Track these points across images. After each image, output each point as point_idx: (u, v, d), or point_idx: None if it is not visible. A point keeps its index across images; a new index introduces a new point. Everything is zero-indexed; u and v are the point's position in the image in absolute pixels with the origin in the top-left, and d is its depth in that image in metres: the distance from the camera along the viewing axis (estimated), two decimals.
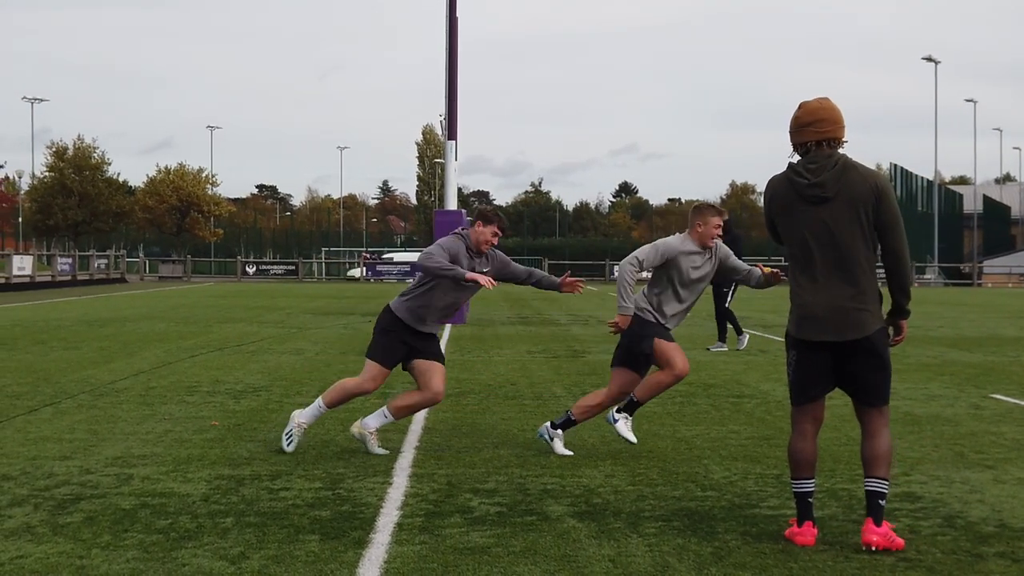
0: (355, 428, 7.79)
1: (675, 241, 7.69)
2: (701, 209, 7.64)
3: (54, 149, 72.11)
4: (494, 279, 7.67)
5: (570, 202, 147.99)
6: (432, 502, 6.28)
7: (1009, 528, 5.82)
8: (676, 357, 7.61)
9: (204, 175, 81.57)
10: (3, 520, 5.77)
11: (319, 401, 7.85)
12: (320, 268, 73.21)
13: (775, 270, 7.43)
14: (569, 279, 7.97)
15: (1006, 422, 9.54)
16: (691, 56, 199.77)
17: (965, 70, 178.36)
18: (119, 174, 76.67)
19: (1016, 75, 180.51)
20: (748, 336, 17.18)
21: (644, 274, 7.84)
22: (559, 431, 7.83)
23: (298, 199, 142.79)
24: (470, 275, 7.39)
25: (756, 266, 7.65)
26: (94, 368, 13.14)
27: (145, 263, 71.69)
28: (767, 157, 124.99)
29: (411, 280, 8.12)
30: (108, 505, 6.11)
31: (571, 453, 7.77)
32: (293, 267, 68.11)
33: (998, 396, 11.33)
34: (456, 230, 7.79)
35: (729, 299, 17.04)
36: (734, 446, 8.21)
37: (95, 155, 72.54)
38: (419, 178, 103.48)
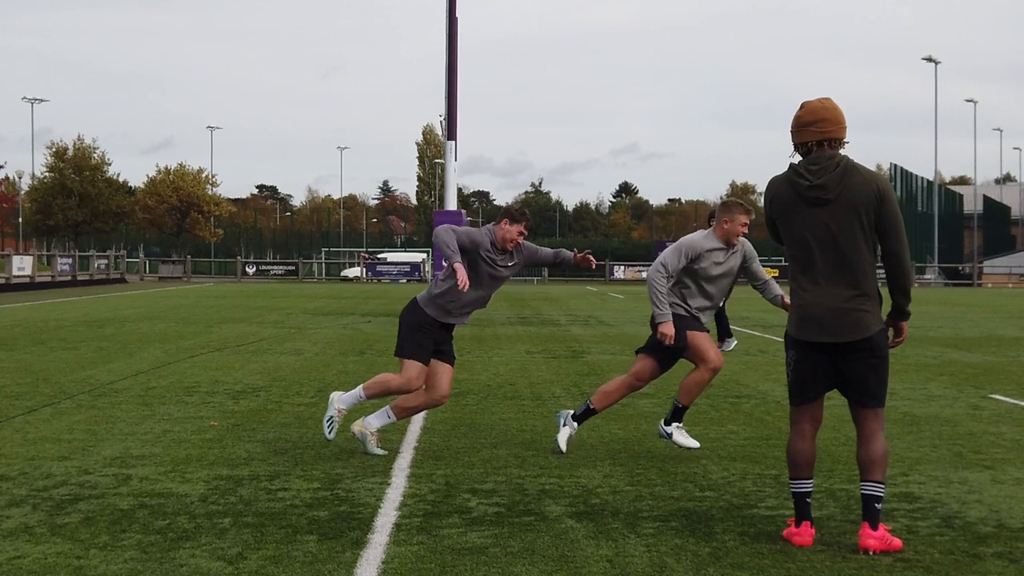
0: (356, 427, 7.79)
1: (697, 238, 7.63)
2: (729, 206, 7.58)
3: (54, 149, 72.14)
4: (522, 266, 7.83)
5: (570, 202, 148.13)
6: (430, 502, 6.28)
7: (1007, 528, 5.82)
8: (709, 351, 7.60)
9: (204, 175, 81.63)
10: (1, 520, 5.77)
11: (360, 389, 7.81)
12: (320, 268, 73.21)
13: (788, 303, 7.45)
14: (580, 254, 7.94)
15: (1005, 422, 9.54)
16: (691, 56, 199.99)
17: (965, 70, 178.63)
18: (119, 174, 76.71)
19: (1016, 75, 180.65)
20: (735, 342, 16.83)
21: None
22: (574, 424, 7.84)
23: (298, 199, 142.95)
24: (457, 264, 7.34)
25: (780, 297, 7.65)
26: (93, 368, 13.14)
27: (145, 263, 71.67)
28: (767, 157, 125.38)
29: (438, 273, 8.12)
30: (106, 505, 6.12)
31: (564, 451, 7.77)
32: (293, 267, 68.11)
33: (997, 396, 11.33)
34: (487, 226, 7.84)
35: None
36: (733, 446, 8.21)
37: (95, 155, 72.57)
38: (419, 178, 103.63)
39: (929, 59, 71.80)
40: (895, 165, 78.88)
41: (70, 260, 51.97)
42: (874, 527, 5.30)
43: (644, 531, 5.68)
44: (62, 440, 8.17)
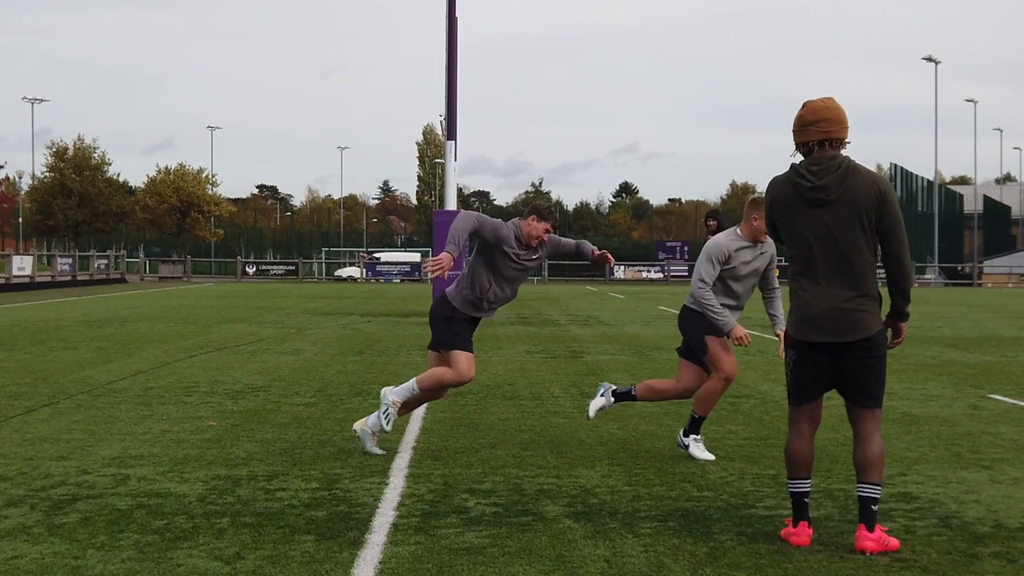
0: (358, 425, 7.82)
1: (722, 240, 7.53)
2: (758, 202, 7.42)
3: (54, 149, 72.18)
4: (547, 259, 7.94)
5: (570, 202, 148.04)
6: (428, 502, 6.28)
7: (1005, 528, 5.82)
8: (723, 359, 7.54)
9: (204, 175, 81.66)
10: None
11: (413, 382, 7.81)
12: (320, 268, 73.21)
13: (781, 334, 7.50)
14: (599, 252, 7.94)
15: (1004, 422, 9.54)
16: (691, 56, 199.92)
17: (965, 70, 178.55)
18: (119, 174, 76.76)
19: (1016, 75, 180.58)
20: None
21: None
22: (612, 399, 7.91)
23: (298, 199, 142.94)
24: (444, 254, 7.22)
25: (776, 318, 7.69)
26: (92, 368, 13.14)
27: (145, 263, 71.67)
28: (767, 157, 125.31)
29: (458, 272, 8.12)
30: (104, 505, 6.12)
31: (591, 417, 8.00)
32: (293, 267, 68.12)
33: (996, 396, 11.33)
34: (513, 219, 7.88)
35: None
36: (731, 446, 8.21)
37: (95, 155, 72.63)
38: (419, 178, 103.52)
39: (929, 59, 71.80)
40: (895, 165, 78.89)
41: (70, 260, 51.98)
42: (870, 529, 5.30)
43: (642, 531, 5.68)
44: (61, 440, 8.18)
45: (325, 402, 10.42)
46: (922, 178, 79.38)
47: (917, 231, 70.37)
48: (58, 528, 5.63)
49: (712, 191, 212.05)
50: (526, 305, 31.23)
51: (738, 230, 7.56)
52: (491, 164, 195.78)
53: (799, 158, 5.46)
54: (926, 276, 68.36)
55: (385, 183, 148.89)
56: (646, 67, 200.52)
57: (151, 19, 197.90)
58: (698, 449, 7.70)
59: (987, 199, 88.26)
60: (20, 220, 79.13)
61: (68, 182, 70.78)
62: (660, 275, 65.69)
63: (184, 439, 8.28)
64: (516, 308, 29.27)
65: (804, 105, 5.45)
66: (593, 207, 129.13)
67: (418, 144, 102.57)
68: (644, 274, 66.25)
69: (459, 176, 38.35)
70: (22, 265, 44.54)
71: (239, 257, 71.53)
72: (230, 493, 6.45)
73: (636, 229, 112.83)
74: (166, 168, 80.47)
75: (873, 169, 5.60)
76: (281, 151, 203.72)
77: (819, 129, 5.35)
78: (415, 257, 68.58)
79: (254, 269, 67.66)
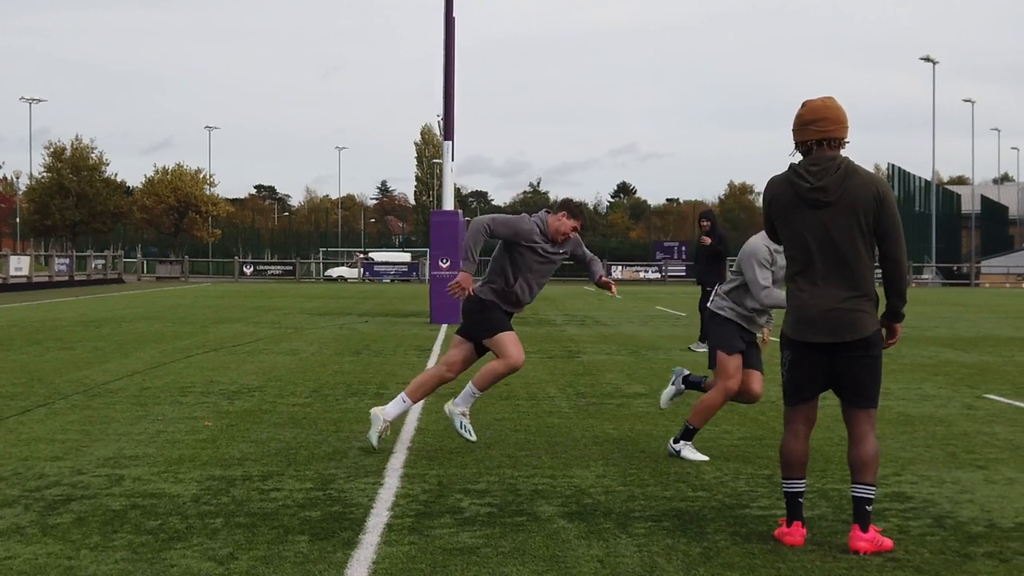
0: (376, 409, 7.89)
1: (758, 242, 7.26)
2: None
3: (52, 149, 72.13)
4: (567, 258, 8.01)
5: None
6: (422, 503, 6.28)
7: (998, 528, 5.83)
8: (727, 370, 7.46)
9: (202, 175, 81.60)
10: None
11: (470, 386, 7.87)
12: (318, 268, 73.19)
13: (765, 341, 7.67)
14: (606, 279, 8.02)
15: (999, 422, 9.55)
16: (691, 56, 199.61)
17: (963, 70, 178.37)
18: (117, 174, 76.79)
19: (1015, 75, 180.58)
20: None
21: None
22: (683, 387, 8.10)
23: (296, 199, 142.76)
24: (463, 273, 7.61)
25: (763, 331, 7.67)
26: (89, 368, 13.14)
27: (143, 263, 71.57)
28: (767, 157, 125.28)
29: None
30: (98, 506, 6.11)
31: (664, 407, 8.45)
32: (291, 267, 68.12)
33: (992, 396, 11.34)
34: (538, 213, 7.88)
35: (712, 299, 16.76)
36: (726, 446, 8.21)
37: (93, 155, 72.57)
38: (417, 178, 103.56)
39: (927, 59, 71.83)
40: (893, 165, 78.98)
41: (67, 260, 51.97)
42: (864, 529, 5.30)
43: (636, 531, 5.68)
44: (56, 440, 8.17)
45: (321, 402, 10.42)
46: (920, 178, 79.45)
47: (915, 231, 70.41)
48: (52, 528, 5.62)
49: (710, 191, 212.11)
50: None
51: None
52: (490, 164, 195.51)
53: (798, 157, 5.46)
54: (923, 276, 68.39)
55: (383, 183, 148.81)
56: (646, 67, 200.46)
57: (150, 19, 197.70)
58: (690, 451, 7.69)
59: (985, 199, 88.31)
60: (18, 220, 79.02)
61: (66, 182, 70.72)
62: (658, 275, 65.73)
63: (179, 439, 8.28)
64: None
65: (804, 104, 5.45)
66: (591, 207, 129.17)
67: (416, 144, 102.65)
68: (641, 274, 66.29)
69: (458, 176, 38.45)
70: (19, 265, 44.53)
71: (237, 257, 71.52)
72: (224, 493, 6.45)
73: (634, 229, 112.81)
74: (164, 168, 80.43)
75: (871, 169, 5.60)
76: (280, 151, 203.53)
77: (818, 129, 5.35)
78: (406, 257, 68.67)
79: (252, 269, 67.64)
